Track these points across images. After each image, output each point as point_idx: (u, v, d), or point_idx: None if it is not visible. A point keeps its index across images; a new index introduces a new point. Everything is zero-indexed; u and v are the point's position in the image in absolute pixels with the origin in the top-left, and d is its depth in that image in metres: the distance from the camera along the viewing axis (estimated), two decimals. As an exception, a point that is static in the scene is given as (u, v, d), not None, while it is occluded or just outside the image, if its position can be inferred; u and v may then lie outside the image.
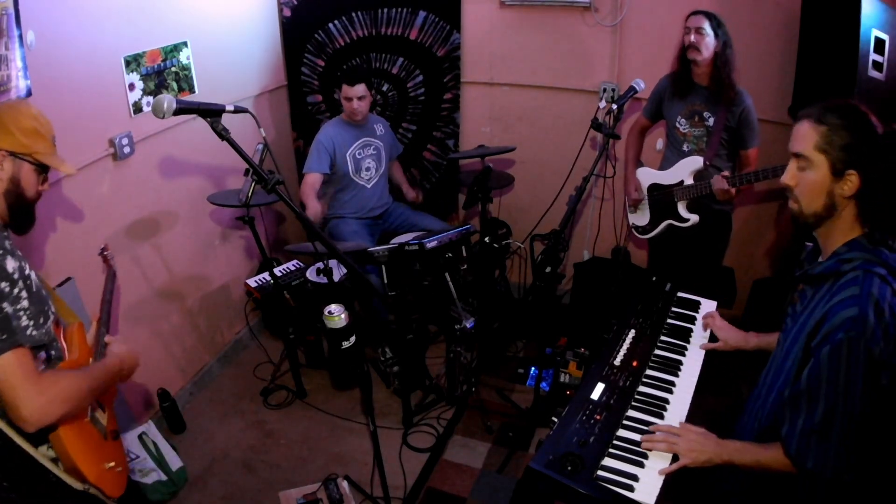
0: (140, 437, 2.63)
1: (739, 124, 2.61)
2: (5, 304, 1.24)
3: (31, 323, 1.29)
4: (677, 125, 2.75)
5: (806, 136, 1.29)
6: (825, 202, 1.29)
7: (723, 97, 2.58)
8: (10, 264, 1.27)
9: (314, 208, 3.05)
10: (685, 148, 2.75)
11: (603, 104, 2.69)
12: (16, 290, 1.27)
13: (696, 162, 2.69)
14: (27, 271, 1.34)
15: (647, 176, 2.91)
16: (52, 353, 1.43)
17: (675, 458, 1.46)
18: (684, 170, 2.73)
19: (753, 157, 2.67)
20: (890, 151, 1.23)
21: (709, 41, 2.53)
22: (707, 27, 2.52)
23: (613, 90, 3.29)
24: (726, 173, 2.56)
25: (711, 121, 2.64)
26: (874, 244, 1.27)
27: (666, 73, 2.78)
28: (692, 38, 2.53)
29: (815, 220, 1.32)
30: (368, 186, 3.28)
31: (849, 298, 1.21)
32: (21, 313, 1.27)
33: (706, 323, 1.93)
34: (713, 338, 1.89)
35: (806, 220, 1.34)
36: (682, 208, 2.78)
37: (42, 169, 1.47)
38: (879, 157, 1.23)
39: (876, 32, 2.37)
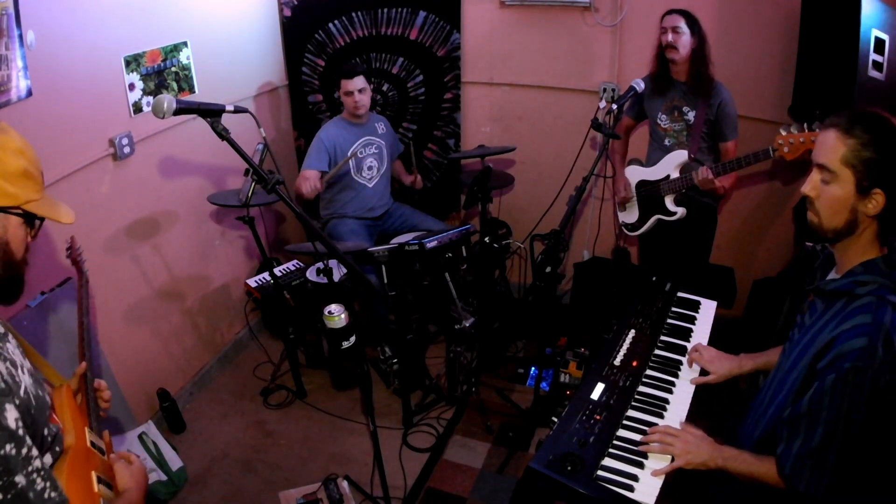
0: (140, 437, 2.63)
1: (718, 117, 2.64)
2: (18, 477, 0.97)
3: (48, 484, 1.02)
4: (658, 121, 2.79)
5: (833, 147, 1.22)
6: (847, 218, 1.23)
7: (700, 91, 2.62)
8: (10, 414, 0.98)
9: (310, 180, 3.03)
10: (667, 142, 2.79)
11: (603, 104, 2.69)
12: (24, 450, 0.99)
13: (682, 156, 2.71)
14: (22, 387, 1.05)
15: (635, 173, 2.94)
16: (57, 448, 1.19)
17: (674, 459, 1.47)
18: (670, 164, 2.75)
19: (732, 149, 2.68)
20: None
21: (685, 39, 2.56)
22: (683, 25, 2.55)
23: (613, 90, 3.29)
24: (707, 171, 2.57)
25: (691, 115, 2.68)
26: (891, 267, 1.23)
27: None
28: (669, 37, 2.57)
29: (835, 236, 1.28)
30: (370, 186, 3.28)
31: (860, 327, 1.18)
32: (35, 476, 1.00)
33: (693, 359, 1.80)
34: (704, 371, 1.80)
35: (825, 234, 1.29)
36: (669, 202, 2.80)
37: (31, 220, 1.15)
38: None
39: (876, 32, 2.37)
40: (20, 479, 0.98)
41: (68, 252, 1.84)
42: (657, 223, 2.89)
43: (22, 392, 1.06)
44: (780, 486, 1.30)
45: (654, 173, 2.83)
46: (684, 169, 2.73)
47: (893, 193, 1.19)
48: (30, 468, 1.00)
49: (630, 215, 3.01)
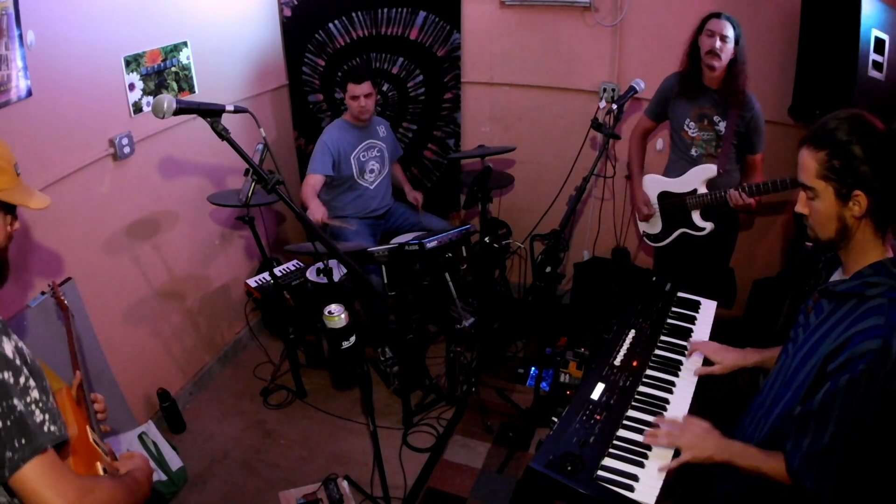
0: (140, 437, 2.63)
1: (749, 129, 2.57)
2: (15, 400, 0.99)
3: (47, 417, 1.05)
4: (685, 128, 2.68)
5: (806, 165, 1.26)
6: (837, 227, 1.26)
7: (733, 101, 2.52)
8: (7, 346, 1.02)
9: (317, 210, 3.01)
10: (693, 152, 2.68)
11: (603, 104, 2.68)
12: (22, 379, 1.02)
13: (710, 170, 2.62)
14: (20, 344, 1.08)
15: (656, 184, 2.84)
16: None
17: (676, 455, 1.46)
18: (697, 178, 2.67)
19: (759, 162, 2.64)
20: (890, 161, 1.19)
21: (730, 48, 2.45)
22: (732, 34, 2.44)
23: (613, 90, 3.28)
24: (742, 193, 2.51)
25: (722, 125, 2.58)
26: None
27: (666, 72, 2.75)
28: (716, 44, 2.44)
29: (833, 246, 1.31)
30: (371, 188, 3.28)
31: (873, 328, 1.19)
32: (34, 408, 1.03)
33: (697, 349, 1.83)
34: (707, 362, 1.80)
35: (824, 246, 1.32)
36: (696, 217, 2.73)
37: (7, 208, 1.19)
38: (881, 169, 1.19)
39: (876, 32, 2.37)
40: (18, 404, 1.00)
41: (51, 293, 1.97)
42: (681, 236, 2.81)
43: (21, 344, 1.08)
44: (787, 482, 1.29)
45: (678, 185, 2.74)
46: (711, 183, 2.65)
47: (873, 189, 1.20)
48: (28, 398, 1.02)
49: (653, 227, 2.92)
